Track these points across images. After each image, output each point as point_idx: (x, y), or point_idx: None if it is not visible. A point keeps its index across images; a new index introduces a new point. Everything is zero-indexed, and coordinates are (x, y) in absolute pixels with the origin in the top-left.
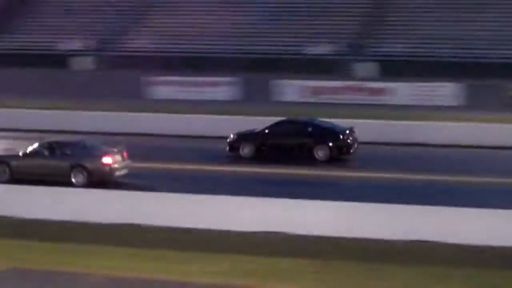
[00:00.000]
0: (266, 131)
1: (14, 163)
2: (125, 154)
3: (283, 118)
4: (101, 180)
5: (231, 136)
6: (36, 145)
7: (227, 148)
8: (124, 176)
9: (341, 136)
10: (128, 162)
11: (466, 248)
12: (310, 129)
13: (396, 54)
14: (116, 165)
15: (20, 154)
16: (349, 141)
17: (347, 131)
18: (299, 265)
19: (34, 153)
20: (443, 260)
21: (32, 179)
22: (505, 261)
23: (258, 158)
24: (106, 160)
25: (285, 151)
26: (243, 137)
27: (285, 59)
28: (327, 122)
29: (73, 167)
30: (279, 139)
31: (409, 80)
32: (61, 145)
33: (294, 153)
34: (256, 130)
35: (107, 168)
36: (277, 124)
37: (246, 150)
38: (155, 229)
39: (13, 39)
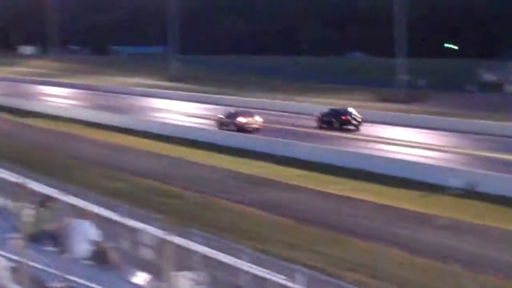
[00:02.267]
0: (324, 113)
1: (219, 120)
2: (257, 117)
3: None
4: (239, 129)
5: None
6: (227, 111)
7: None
8: (255, 129)
9: (343, 117)
10: (259, 122)
11: None
12: (333, 112)
13: None
14: (247, 123)
15: (222, 116)
16: (349, 119)
17: (349, 114)
18: None
19: (226, 115)
20: None
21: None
22: None
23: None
24: (240, 119)
25: (328, 124)
26: (319, 116)
27: None
28: (344, 109)
29: (229, 123)
30: (325, 117)
31: None
32: (232, 111)
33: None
34: (323, 112)
35: (240, 124)
36: (329, 110)
37: (315, 124)
38: None
39: None
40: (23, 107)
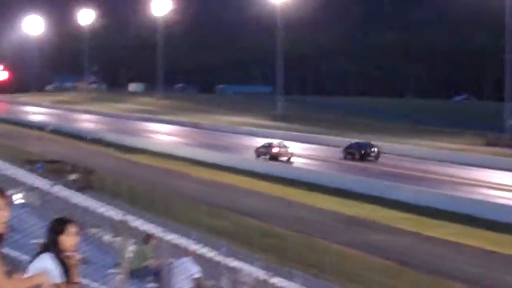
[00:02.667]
0: (349, 145)
1: (257, 149)
2: (289, 149)
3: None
4: (274, 158)
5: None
6: (266, 142)
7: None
8: (287, 159)
9: (363, 150)
10: (290, 152)
11: None
12: (355, 145)
13: None
14: (280, 153)
15: (259, 145)
16: (368, 151)
17: (368, 147)
18: None
19: (263, 145)
20: None
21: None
22: None
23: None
24: (274, 150)
25: (351, 155)
26: (344, 148)
27: None
28: (365, 142)
29: (266, 152)
30: (349, 150)
31: None
32: (269, 142)
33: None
34: (348, 145)
35: (274, 154)
36: (353, 143)
37: (341, 155)
38: None
39: None
40: (129, 144)
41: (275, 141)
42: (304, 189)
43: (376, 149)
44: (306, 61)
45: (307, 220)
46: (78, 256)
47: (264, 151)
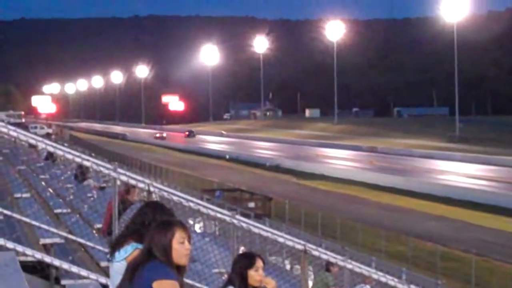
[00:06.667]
0: (187, 130)
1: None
2: (164, 134)
3: None
4: (156, 139)
5: None
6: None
7: None
8: (162, 138)
9: (188, 131)
10: (164, 136)
11: None
12: (189, 131)
13: None
14: (159, 137)
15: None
16: (191, 133)
17: (191, 132)
18: None
19: (154, 134)
20: None
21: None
22: None
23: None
24: (156, 135)
25: (188, 136)
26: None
27: None
28: (190, 129)
29: (154, 136)
30: (188, 132)
31: None
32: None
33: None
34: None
35: (157, 137)
36: (189, 129)
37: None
38: None
39: None
40: (306, 170)
41: (157, 130)
42: (484, 211)
43: (194, 132)
44: (483, 81)
45: (489, 243)
46: None
47: (154, 135)
